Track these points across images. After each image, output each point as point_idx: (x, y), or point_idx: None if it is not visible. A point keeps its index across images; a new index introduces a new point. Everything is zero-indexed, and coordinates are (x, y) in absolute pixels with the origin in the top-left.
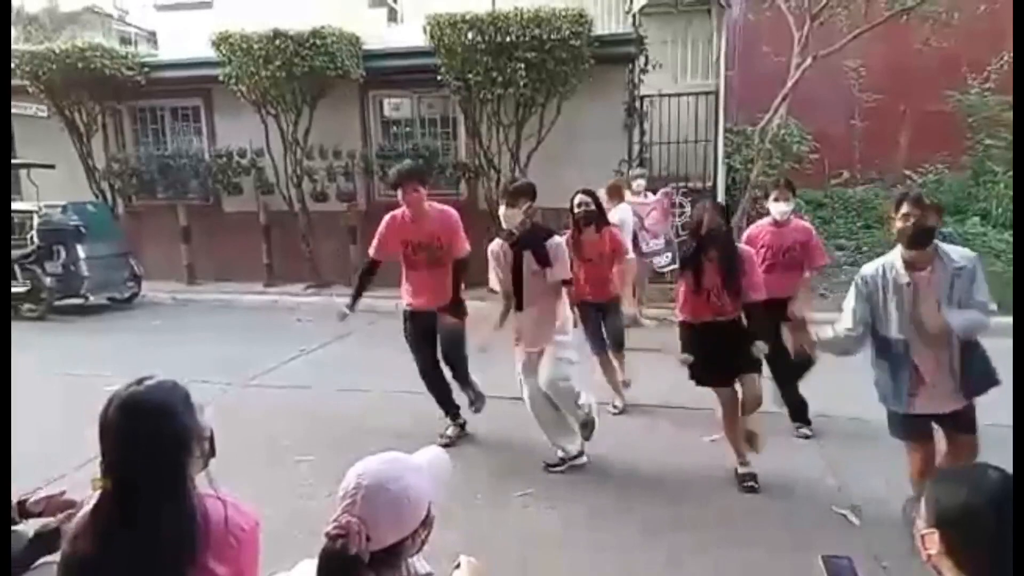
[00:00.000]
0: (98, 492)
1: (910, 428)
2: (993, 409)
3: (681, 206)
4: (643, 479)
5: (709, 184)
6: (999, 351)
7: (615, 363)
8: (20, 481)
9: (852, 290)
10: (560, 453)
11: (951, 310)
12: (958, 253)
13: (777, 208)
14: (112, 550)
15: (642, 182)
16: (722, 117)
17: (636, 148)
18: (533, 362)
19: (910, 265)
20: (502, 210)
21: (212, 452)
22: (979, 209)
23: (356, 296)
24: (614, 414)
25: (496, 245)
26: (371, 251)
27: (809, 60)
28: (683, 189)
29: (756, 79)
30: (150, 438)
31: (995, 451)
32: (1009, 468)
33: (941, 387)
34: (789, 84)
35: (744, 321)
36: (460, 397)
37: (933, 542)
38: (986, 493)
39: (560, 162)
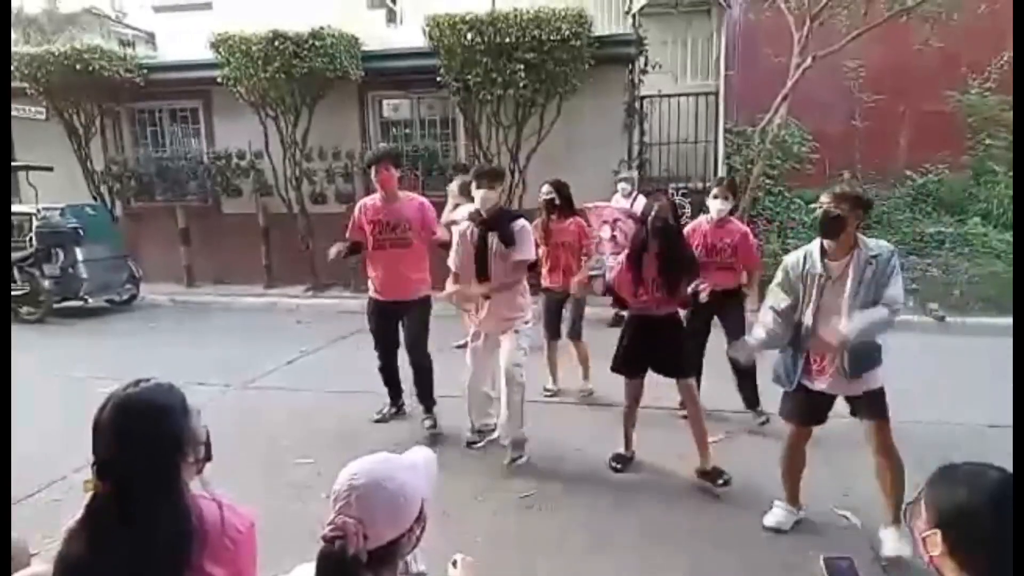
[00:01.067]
0: (90, 494)
1: (799, 405)
2: (993, 409)
3: (681, 207)
4: (642, 480)
5: (709, 185)
6: (999, 351)
7: (573, 351)
8: (20, 483)
9: (778, 274)
10: (475, 425)
11: (853, 313)
12: (875, 244)
13: (714, 205)
14: (106, 552)
15: (626, 186)
16: (722, 117)
17: (636, 149)
18: (487, 346)
19: (827, 254)
20: (481, 192)
21: (208, 456)
22: (980, 209)
23: (350, 251)
24: (548, 396)
25: (463, 225)
26: (347, 234)
27: (809, 60)
28: (683, 190)
29: (756, 79)
30: (145, 439)
31: (994, 452)
32: (1009, 468)
33: (837, 372)
34: (789, 84)
35: (683, 321)
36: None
37: (935, 543)
38: (986, 493)
39: (560, 163)
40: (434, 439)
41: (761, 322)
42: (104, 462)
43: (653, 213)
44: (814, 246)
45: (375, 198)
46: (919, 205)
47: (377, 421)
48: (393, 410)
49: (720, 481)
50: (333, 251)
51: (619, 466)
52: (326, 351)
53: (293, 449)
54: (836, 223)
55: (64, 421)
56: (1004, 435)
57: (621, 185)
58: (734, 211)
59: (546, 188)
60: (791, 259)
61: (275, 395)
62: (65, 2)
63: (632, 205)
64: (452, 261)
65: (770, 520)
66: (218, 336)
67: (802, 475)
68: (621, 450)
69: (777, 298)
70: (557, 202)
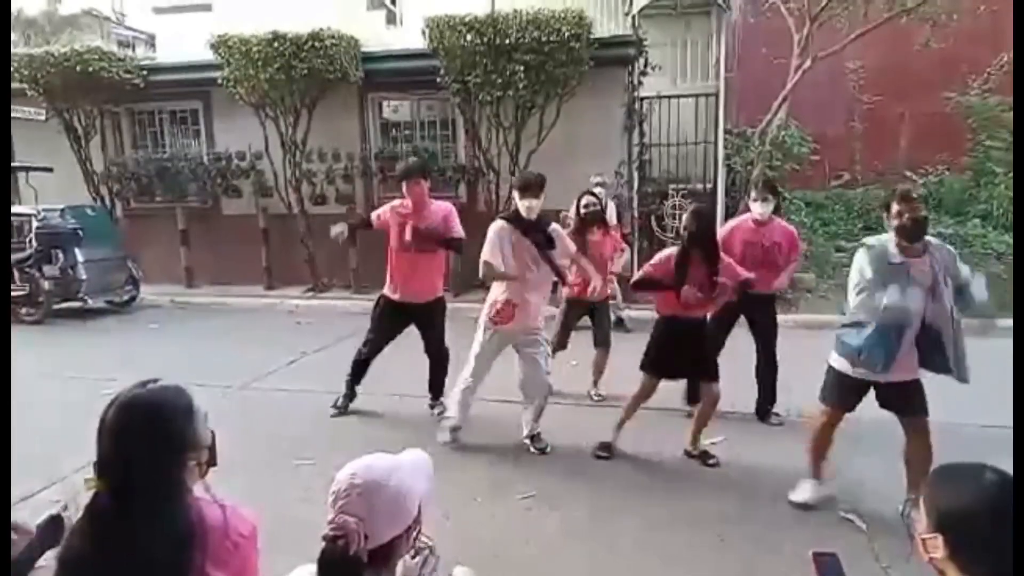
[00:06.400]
0: (91, 493)
1: (851, 393)
2: (993, 410)
3: (681, 208)
4: (642, 480)
5: (709, 186)
6: (998, 351)
7: (600, 361)
8: (19, 484)
9: (860, 253)
10: (457, 423)
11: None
12: (940, 248)
13: (756, 208)
14: (107, 552)
15: (601, 190)
16: (722, 119)
17: (636, 150)
18: (500, 343)
19: (904, 250)
20: (528, 202)
21: (213, 460)
22: (979, 211)
23: (352, 228)
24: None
25: (502, 226)
26: (372, 214)
27: (809, 62)
28: (683, 191)
29: (756, 81)
30: (147, 439)
31: (995, 452)
32: (1009, 469)
33: (905, 359)
34: (789, 86)
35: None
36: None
37: (936, 546)
38: (987, 496)
39: (559, 165)
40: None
41: (858, 308)
42: (107, 461)
43: (684, 224)
44: (886, 239)
45: (405, 203)
46: None
47: (335, 415)
48: (346, 401)
49: (710, 462)
50: (335, 231)
51: (606, 455)
52: (326, 352)
53: (294, 450)
54: (926, 223)
55: (64, 422)
56: (1003, 435)
57: (596, 191)
58: (776, 211)
59: (587, 199)
60: (872, 240)
61: (276, 396)
62: (65, 4)
63: (605, 212)
64: (494, 258)
65: (798, 496)
66: (218, 337)
67: (827, 454)
68: (609, 439)
69: (861, 276)
70: (600, 214)
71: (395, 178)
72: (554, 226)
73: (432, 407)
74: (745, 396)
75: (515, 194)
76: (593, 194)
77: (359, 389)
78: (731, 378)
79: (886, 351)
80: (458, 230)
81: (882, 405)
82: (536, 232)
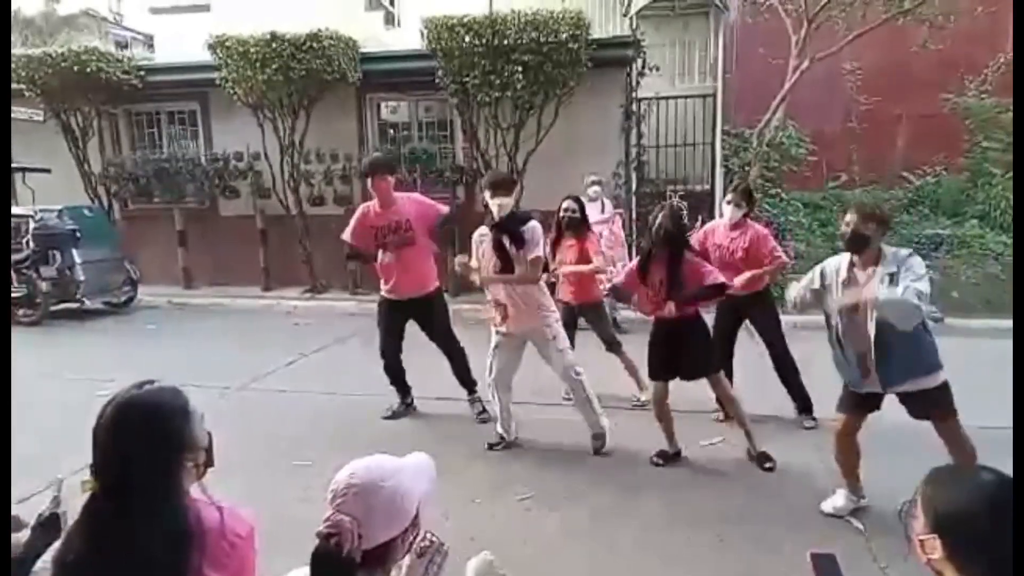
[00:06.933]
0: (87, 494)
1: (861, 406)
2: (993, 410)
3: (680, 209)
4: (642, 480)
5: (707, 187)
6: (997, 353)
7: (625, 363)
8: (18, 485)
9: (812, 272)
10: (499, 431)
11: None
12: (895, 256)
13: (727, 211)
14: (104, 552)
15: (597, 188)
16: (720, 120)
17: (634, 151)
18: (512, 343)
19: (855, 265)
20: (498, 200)
21: (210, 461)
22: (977, 211)
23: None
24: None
25: (479, 231)
26: (344, 234)
27: (806, 63)
28: (681, 192)
29: (754, 82)
30: (144, 441)
31: (995, 453)
32: (1008, 470)
33: (903, 369)
34: (787, 86)
35: (706, 323)
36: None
37: (934, 547)
38: (985, 496)
39: (557, 165)
40: (484, 422)
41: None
42: (103, 462)
43: (658, 222)
44: (839, 258)
45: (374, 203)
46: (916, 207)
47: (387, 418)
48: (403, 407)
49: (767, 465)
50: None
51: (660, 461)
52: (325, 353)
53: (292, 451)
54: (862, 241)
55: (62, 423)
56: (1002, 436)
57: (593, 188)
58: (748, 215)
59: (568, 204)
60: (829, 261)
61: (274, 397)
62: (62, 4)
63: (603, 211)
64: (473, 262)
65: (827, 506)
66: (216, 338)
67: (859, 464)
68: (665, 447)
69: (808, 279)
70: (578, 220)
71: (360, 174)
72: (530, 224)
73: (471, 403)
74: (749, 398)
75: (486, 193)
76: (577, 199)
77: (365, 390)
78: (736, 381)
79: (857, 368)
80: (436, 209)
81: (910, 414)
82: (506, 230)
